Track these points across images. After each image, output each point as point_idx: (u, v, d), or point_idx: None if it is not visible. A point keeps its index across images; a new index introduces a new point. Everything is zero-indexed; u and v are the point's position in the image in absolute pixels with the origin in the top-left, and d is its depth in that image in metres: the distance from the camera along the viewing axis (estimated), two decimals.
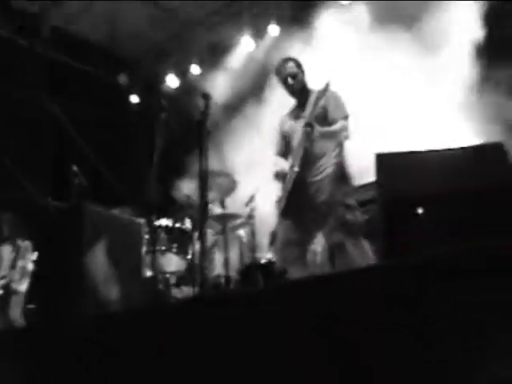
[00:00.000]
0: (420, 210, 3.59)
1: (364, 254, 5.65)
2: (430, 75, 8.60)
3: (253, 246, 8.17)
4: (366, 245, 5.74)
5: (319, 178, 5.94)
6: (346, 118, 6.12)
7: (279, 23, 11.77)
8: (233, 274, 7.97)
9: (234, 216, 8.24)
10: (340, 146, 6.09)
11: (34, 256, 9.23)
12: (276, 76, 6.51)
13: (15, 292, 9.12)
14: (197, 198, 7.21)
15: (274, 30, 11.84)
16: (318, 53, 9.44)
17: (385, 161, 3.97)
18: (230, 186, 8.26)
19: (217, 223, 8.16)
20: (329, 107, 6.11)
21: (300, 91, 6.39)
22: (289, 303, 3.05)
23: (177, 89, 13.44)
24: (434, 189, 3.68)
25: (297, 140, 6.12)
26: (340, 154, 6.05)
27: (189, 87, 12.73)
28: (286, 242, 5.98)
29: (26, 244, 9.39)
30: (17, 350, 4.48)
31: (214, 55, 13.03)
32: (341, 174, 5.97)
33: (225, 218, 8.10)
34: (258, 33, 12.23)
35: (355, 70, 8.96)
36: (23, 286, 9.16)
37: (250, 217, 8.22)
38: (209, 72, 12.64)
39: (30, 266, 9.20)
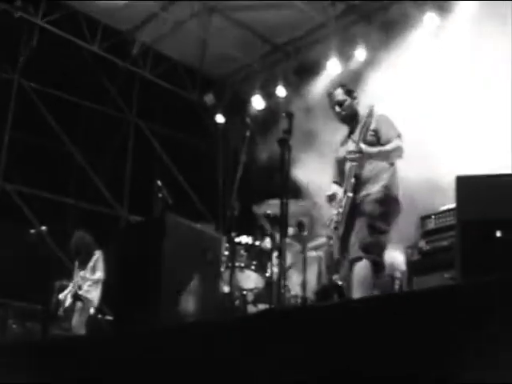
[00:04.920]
0: (498, 233, 3.56)
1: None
2: None
3: (330, 268, 8.16)
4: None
5: (366, 200, 5.95)
6: (399, 136, 6.07)
7: (366, 48, 11.80)
8: (309, 294, 7.97)
9: (313, 237, 8.26)
10: (392, 166, 6.09)
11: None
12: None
13: (81, 299, 9.22)
14: (277, 217, 7.29)
15: (360, 54, 11.86)
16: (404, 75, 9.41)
17: (464, 184, 3.97)
18: (311, 208, 8.29)
19: (296, 243, 8.18)
20: (381, 130, 6.09)
21: (349, 118, 6.37)
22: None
23: (262, 109, 13.53)
24: None
25: (349, 165, 6.13)
26: (390, 177, 6.04)
27: (274, 108, 12.83)
28: (339, 262, 6.10)
29: (98, 254, 9.50)
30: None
31: (300, 78, 13.11)
32: (384, 197, 5.92)
33: (304, 239, 8.11)
34: (345, 57, 12.27)
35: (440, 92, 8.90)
36: (92, 294, 9.28)
37: (330, 238, 8.21)
38: (294, 94, 12.71)
39: (100, 275, 9.31)
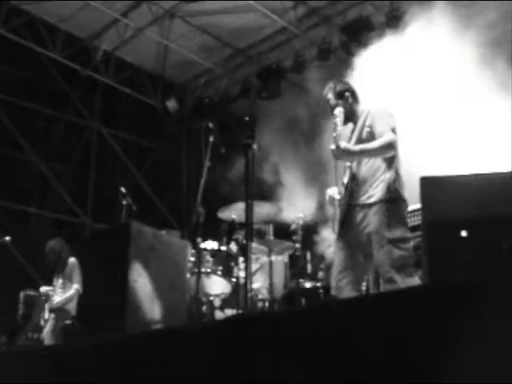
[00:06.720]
0: (464, 233, 3.57)
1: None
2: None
3: (297, 271, 8.18)
4: (416, 280, 5.50)
5: (367, 202, 5.62)
6: (392, 130, 5.67)
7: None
8: (277, 298, 7.98)
9: (279, 241, 8.29)
10: (388, 161, 5.71)
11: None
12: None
13: (55, 312, 9.11)
14: (242, 221, 7.29)
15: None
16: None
17: (429, 184, 3.97)
18: (276, 212, 8.31)
19: (263, 247, 8.18)
20: (375, 124, 5.75)
21: (348, 119, 5.96)
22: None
23: (225, 113, 13.56)
24: (479, 212, 3.67)
25: (342, 167, 5.95)
26: (391, 176, 5.64)
27: (237, 112, 12.86)
28: (341, 269, 5.81)
29: (72, 261, 9.36)
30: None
31: (263, 81, 13.14)
32: (389, 202, 5.54)
33: (270, 242, 8.13)
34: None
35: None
36: (69, 306, 9.13)
37: (295, 242, 8.23)
38: (258, 97, 12.77)
39: (77, 287, 9.14)
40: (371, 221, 5.55)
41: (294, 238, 8.27)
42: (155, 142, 15.49)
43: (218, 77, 14.40)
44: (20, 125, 13.11)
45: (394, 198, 5.59)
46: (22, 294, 9.72)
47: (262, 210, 8.03)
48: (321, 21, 12.34)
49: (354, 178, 5.74)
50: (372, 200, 5.59)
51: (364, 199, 5.65)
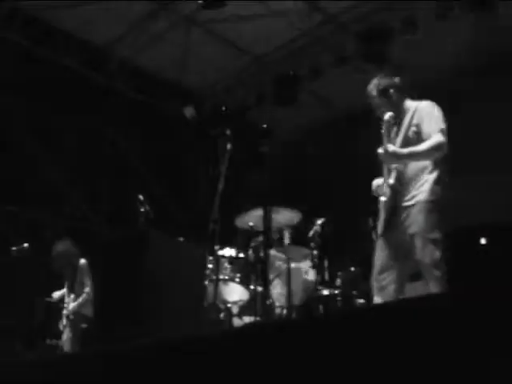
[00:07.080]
0: (483, 241, 3.55)
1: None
2: None
3: (316, 278, 8.15)
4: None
5: (410, 203, 5.60)
6: (440, 131, 5.57)
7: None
8: (295, 305, 7.95)
9: (297, 247, 8.27)
10: (435, 162, 5.62)
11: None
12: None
13: (71, 318, 9.12)
14: (260, 228, 7.27)
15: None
16: None
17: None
18: (295, 218, 8.29)
19: (281, 254, 8.16)
20: (422, 124, 5.66)
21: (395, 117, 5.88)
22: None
23: (242, 122, 13.55)
24: (499, 219, 3.66)
25: (386, 168, 5.82)
26: (436, 177, 5.60)
27: (255, 120, 12.86)
28: (382, 269, 5.76)
29: (82, 264, 9.38)
30: None
31: (281, 89, 13.13)
32: (433, 202, 5.52)
33: (288, 249, 8.11)
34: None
35: None
36: (86, 310, 9.12)
37: (314, 248, 8.22)
38: (274, 106, 12.77)
39: (88, 290, 9.15)
40: (414, 220, 5.53)
41: (313, 244, 8.27)
42: (172, 149, 15.47)
43: (235, 84, 14.40)
44: (33, 131, 13.08)
45: (437, 199, 5.55)
46: (39, 301, 9.74)
47: (281, 216, 8.01)
48: (337, 28, 12.32)
49: (399, 178, 5.69)
50: (415, 200, 5.59)
51: (408, 199, 5.62)
